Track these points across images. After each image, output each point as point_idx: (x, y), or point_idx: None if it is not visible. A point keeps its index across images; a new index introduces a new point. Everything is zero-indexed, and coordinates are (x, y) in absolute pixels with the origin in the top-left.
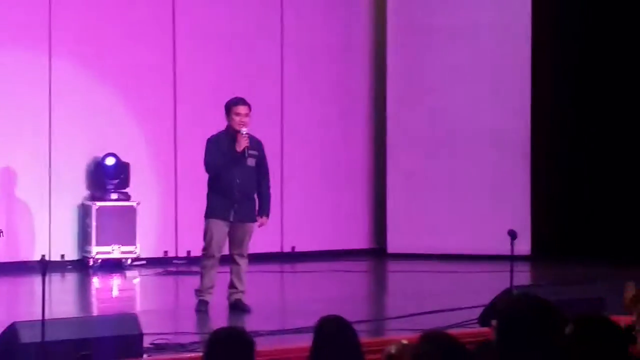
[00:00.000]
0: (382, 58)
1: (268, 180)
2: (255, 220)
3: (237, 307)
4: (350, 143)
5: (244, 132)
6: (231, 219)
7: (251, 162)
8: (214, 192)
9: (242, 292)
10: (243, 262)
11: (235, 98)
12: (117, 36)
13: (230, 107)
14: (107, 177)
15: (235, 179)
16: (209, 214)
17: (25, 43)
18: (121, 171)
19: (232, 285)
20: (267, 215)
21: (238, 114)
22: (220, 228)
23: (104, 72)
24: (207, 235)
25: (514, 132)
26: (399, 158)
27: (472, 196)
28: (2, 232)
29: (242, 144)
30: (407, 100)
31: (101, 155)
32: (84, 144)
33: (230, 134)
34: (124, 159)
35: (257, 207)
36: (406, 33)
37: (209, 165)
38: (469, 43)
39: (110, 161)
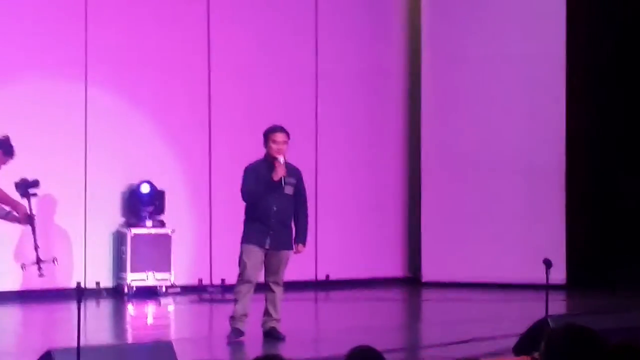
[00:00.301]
0: (417, 86)
1: (306, 208)
2: (292, 248)
3: (272, 335)
4: (385, 172)
5: (282, 161)
6: (267, 247)
7: (289, 190)
8: (251, 219)
9: (276, 320)
10: (278, 290)
11: (274, 126)
12: (153, 65)
13: (268, 134)
14: (143, 204)
15: (272, 207)
16: (245, 240)
17: (62, 72)
18: (156, 198)
19: (266, 313)
20: (304, 243)
21: (275, 142)
22: (256, 254)
23: (139, 100)
24: (242, 260)
25: (548, 160)
26: (434, 187)
27: (506, 225)
28: (55, 260)
29: (280, 172)
30: (442, 129)
31: (136, 182)
32: (120, 171)
33: (268, 162)
34: (159, 186)
35: (293, 235)
36: (441, 62)
37: (245, 193)
38: (503, 72)
39: (145, 188)
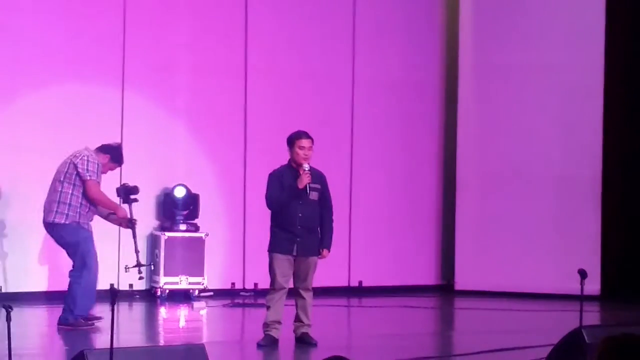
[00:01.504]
0: (453, 94)
1: (331, 213)
2: (319, 254)
3: (304, 341)
4: (420, 179)
5: (307, 168)
6: (294, 253)
7: (314, 195)
8: (277, 227)
9: (308, 325)
10: (308, 296)
11: (299, 131)
12: (189, 70)
13: (293, 140)
14: (177, 208)
15: (297, 214)
16: (272, 249)
17: (99, 76)
18: (191, 202)
19: (297, 319)
20: (329, 248)
21: (302, 148)
22: (284, 262)
23: (175, 104)
24: (271, 269)
25: (585, 170)
26: (468, 194)
27: (541, 234)
28: (152, 264)
29: (305, 180)
30: (478, 138)
31: (171, 186)
32: (155, 174)
33: (292, 168)
34: (193, 190)
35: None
36: (478, 71)
37: (270, 200)
38: (540, 81)
39: (180, 192)
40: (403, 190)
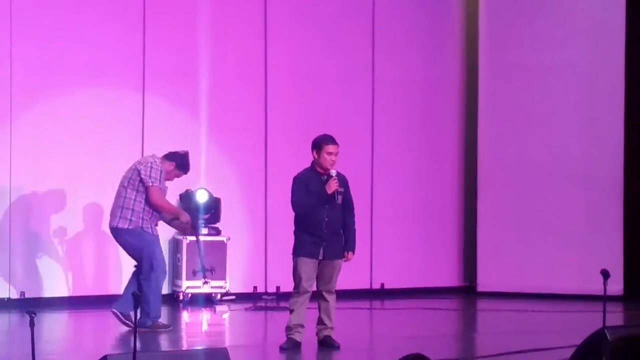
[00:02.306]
0: (474, 94)
1: (353, 215)
2: (343, 257)
3: (326, 344)
4: (441, 180)
5: (334, 174)
6: (320, 257)
7: (339, 199)
8: (302, 231)
9: (330, 328)
10: (331, 299)
11: (326, 136)
12: (210, 72)
13: (321, 145)
14: (199, 211)
15: (324, 218)
16: (298, 253)
17: (119, 79)
18: (212, 206)
19: (320, 322)
20: (353, 251)
21: (330, 154)
22: (309, 266)
23: (195, 108)
24: (296, 273)
25: (607, 170)
26: (490, 196)
27: (563, 235)
28: (213, 269)
29: (333, 186)
30: (499, 138)
31: (193, 189)
32: (176, 178)
33: (317, 172)
34: (215, 194)
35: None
36: (498, 70)
37: (297, 206)
38: (561, 81)
39: (201, 196)
40: (424, 191)
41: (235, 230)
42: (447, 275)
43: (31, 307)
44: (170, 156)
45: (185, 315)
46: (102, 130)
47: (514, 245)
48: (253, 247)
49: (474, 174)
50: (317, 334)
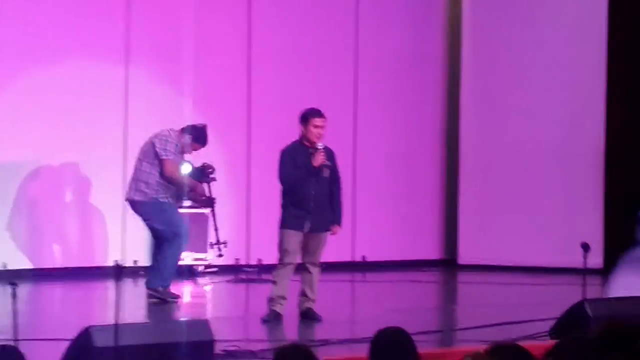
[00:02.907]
0: (457, 71)
1: (340, 188)
2: (329, 230)
3: (308, 316)
4: (423, 153)
5: (321, 147)
6: (306, 230)
7: (326, 173)
8: (290, 204)
9: (313, 300)
10: (315, 271)
11: (313, 109)
12: (193, 49)
13: (308, 118)
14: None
15: (310, 191)
16: (284, 225)
17: (103, 55)
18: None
19: (303, 294)
20: (340, 224)
21: (316, 127)
22: (295, 239)
23: (179, 83)
24: (282, 246)
25: (588, 146)
26: (472, 169)
27: (544, 208)
28: (225, 243)
29: (319, 159)
30: (481, 112)
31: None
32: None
33: (304, 146)
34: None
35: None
36: (481, 47)
37: (285, 179)
38: (544, 60)
39: (185, 168)
40: (406, 165)
41: (218, 203)
42: (429, 248)
43: (13, 278)
44: (187, 129)
45: None
46: (82, 105)
47: (495, 218)
48: (235, 219)
49: (457, 148)
50: (299, 306)
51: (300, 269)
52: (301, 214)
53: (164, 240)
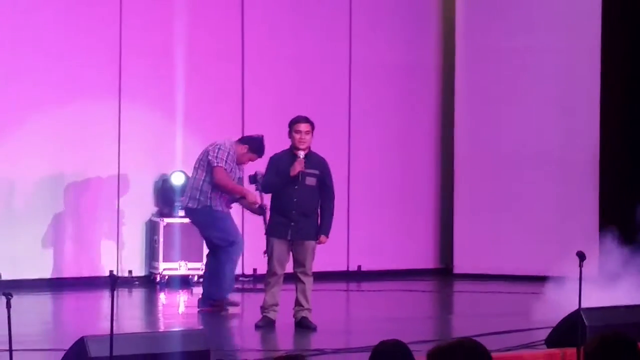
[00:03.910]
0: (450, 78)
1: (330, 200)
2: (316, 239)
3: (303, 325)
4: (418, 163)
5: (301, 156)
6: (289, 238)
7: (310, 181)
8: (273, 211)
9: (307, 309)
10: (307, 280)
11: (298, 116)
12: (186, 54)
13: (291, 124)
14: (175, 194)
15: (293, 198)
16: (268, 233)
17: (96, 60)
18: None
19: (297, 303)
20: (327, 234)
21: (298, 132)
22: (280, 246)
23: (172, 90)
24: (268, 253)
25: (582, 152)
26: (467, 177)
27: (540, 217)
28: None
29: (297, 168)
30: (475, 120)
31: (169, 172)
32: (153, 161)
33: (291, 153)
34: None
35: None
36: (475, 55)
37: (263, 185)
38: (538, 65)
39: (178, 178)
40: (401, 174)
41: None
42: (424, 257)
43: (8, 289)
44: (243, 139)
45: (162, 297)
46: (76, 112)
47: (491, 227)
48: None
49: (451, 157)
50: (294, 316)
51: (293, 278)
52: (284, 222)
53: (220, 250)
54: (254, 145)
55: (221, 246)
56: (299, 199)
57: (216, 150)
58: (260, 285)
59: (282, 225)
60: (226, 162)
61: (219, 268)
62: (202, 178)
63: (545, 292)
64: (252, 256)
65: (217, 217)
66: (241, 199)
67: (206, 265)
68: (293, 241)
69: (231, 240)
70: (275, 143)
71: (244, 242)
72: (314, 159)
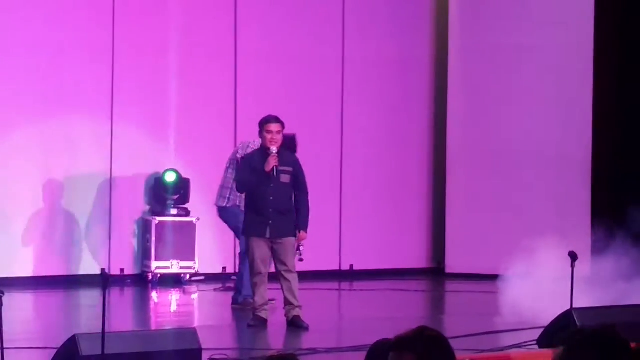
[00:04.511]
0: (443, 76)
1: (305, 195)
2: (294, 235)
3: (295, 324)
4: (410, 162)
5: (274, 152)
6: (267, 236)
7: (285, 178)
8: (249, 210)
9: (298, 307)
10: (292, 277)
11: (268, 116)
12: (179, 52)
13: (262, 124)
14: (167, 193)
15: (268, 196)
16: (247, 232)
17: (89, 57)
18: (181, 187)
19: (287, 302)
20: (306, 230)
21: (269, 132)
22: (260, 245)
23: (165, 88)
24: (249, 254)
25: (575, 151)
26: (459, 177)
27: (531, 216)
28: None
29: (271, 163)
30: (468, 119)
31: (161, 170)
32: (145, 159)
33: (262, 152)
34: (184, 174)
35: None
36: (468, 52)
37: (238, 184)
38: (531, 62)
39: (170, 177)
40: (393, 172)
41: (205, 211)
42: (416, 256)
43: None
44: None
45: (155, 296)
46: (69, 108)
47: (483, 227)
48: (222, 228)
49: (443, 156)
50: (285, 315)
51: (278, 278)
52: (261, 220)
53: (242, 252)
54: (287, 143)
55: (242, 250)
56: (275, 197)
57: (244, 148)
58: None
59: (260, 224)
60: None
61: (244, 268)
62: (232, 176)
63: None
64: None
65: (242, 221)
66: None
67: (239, 263)
68: (272, 240)
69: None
70: None
71: None
72: (285, 157)
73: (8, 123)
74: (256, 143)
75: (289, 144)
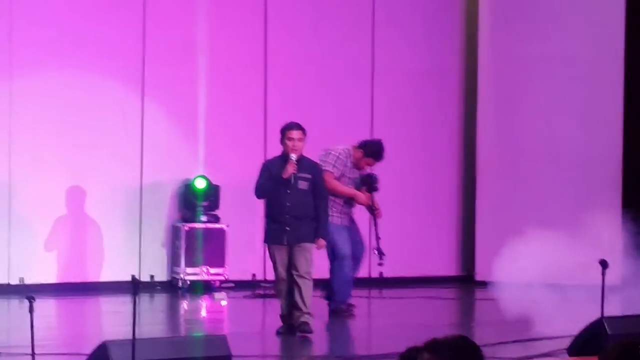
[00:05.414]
0: (473, 84)
1: (324, 203)
2: (313, 241)
3: (301, 330)
4: (440, 169)
5: (293, 158)
6: (285, 243)
7: (303, 185)
8: (269, 217)
9: (307, 314)
10: (304, 283)
11: (290, 123)
12: (209, 62)
13: (284, 131)
14: (197, 199)
15: (285, 203)
16: (266, 240)
17: (119, 67)
18: (211, 193)
19: (296, 307)
20: (324, 237)
21: (291, 139)
22: (280, 252)
23: (196, 97)
24: (272, 260)
25: (606, 158)
26: (489, 184)
27: (563, 224)
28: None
29: (289, 170)
30: (498, 127)
31: (192, 177)
32: (175, 165)
33: (283, 159)
34: (214, 181)
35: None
36: (497, 59)
37: (256, 190)
38: (560, 69)
39: (200, 183)
40: (423, 181)
41: (234, 218)
42: (446, 264)
43: (30, 293)
44: (360, 144)
45: (184, 303)
46: (100, 117)
47: (514, 234)
48: (252, 234)
49: (473, 164)
50: (294, 321)
51: (293, 282)
52: (279, 227)
53: (331, 259)
54: (369, 149)
55: (329, 256)
56: (292, 203)
57: (325, 155)
58: None
59: (278, 231)
60: (334, 166)
61: (331, 276)
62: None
63: (568, 300)
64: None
65: (330, 230)
66: (350, 200)
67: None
68: (290, 246)
69: (337, 252)
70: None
71: (362, 253)
72: (305, 164)
73: (38, 130)
74: (338, 149)
75: (373, 149)
